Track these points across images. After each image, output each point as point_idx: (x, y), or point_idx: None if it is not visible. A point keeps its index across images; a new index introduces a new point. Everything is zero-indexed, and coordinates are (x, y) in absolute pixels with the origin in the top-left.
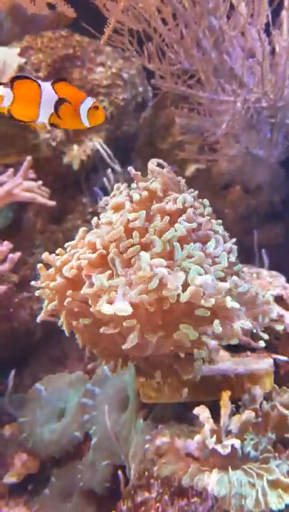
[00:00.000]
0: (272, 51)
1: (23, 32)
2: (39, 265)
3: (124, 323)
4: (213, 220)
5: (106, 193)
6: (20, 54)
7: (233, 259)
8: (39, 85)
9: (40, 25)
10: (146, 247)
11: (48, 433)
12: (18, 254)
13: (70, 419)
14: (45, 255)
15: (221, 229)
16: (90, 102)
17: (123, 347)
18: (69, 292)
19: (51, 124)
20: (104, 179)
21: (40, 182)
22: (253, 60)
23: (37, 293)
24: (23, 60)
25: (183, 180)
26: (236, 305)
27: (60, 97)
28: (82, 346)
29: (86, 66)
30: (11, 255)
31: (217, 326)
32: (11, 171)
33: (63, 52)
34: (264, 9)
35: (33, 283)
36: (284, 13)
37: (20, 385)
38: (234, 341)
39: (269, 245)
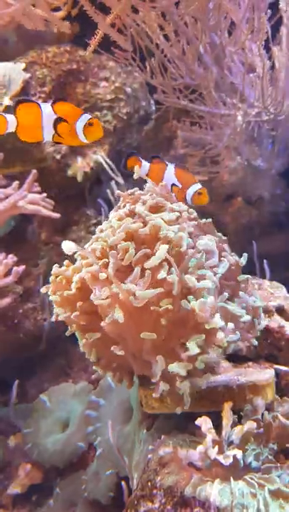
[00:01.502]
0: (273, 66)
1: (28, 47)
2: (51, 277)
3: (142, 335)
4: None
5: (109, 204)
6: (26, 69)
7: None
8: (40, 107)
9: (45, 39)
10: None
11: (52, 443)
12: (22, 267)
13: (75, 430)
14: (55, 268)
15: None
16: (85, 118)
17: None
18: (79, 304)
19: (56, 142)
20: (108, 191)
21: (45, 194)
22: (254, 74)
23: (52, 298)
24: (28, 75)
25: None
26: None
27: (58, 116)
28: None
29: (90, 81)
30: (15, 268)
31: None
32: (16, 183)
33: (67, 67)
34: (264, 25)
35: (43, 289)
36: (283, 29)
37: (25, 396)
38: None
39: (271, 256)
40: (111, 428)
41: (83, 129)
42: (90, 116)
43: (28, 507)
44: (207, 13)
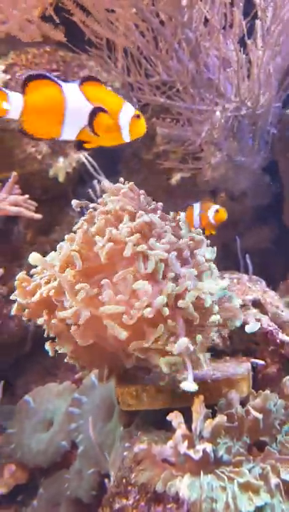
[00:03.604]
0: (249, 60)
1: (10, 49)
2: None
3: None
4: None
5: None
6: (6, 70)
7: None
8: (61, 88)
9: (29, 42)
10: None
11: (36, 443)
12: (0, 270)
13: (58, 429)
14: (20, 276)
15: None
16: (130, 109)
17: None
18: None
19: (79, 144)
20: (90, 191)
21: (27, 196)
22: (230, 69)
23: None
24: (7, 77)
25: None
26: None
27: (93, 104)
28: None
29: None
30: None
31: None
32: None
33: (47, 68)
34: (236, 19)
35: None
36: (257, 22)
37: (12, 397)
38: None
39: (255, 250)
40: (93, 425)
41: (130, 123)
42: (134, 107)
43: (13, 507)
44: (180, 8)
